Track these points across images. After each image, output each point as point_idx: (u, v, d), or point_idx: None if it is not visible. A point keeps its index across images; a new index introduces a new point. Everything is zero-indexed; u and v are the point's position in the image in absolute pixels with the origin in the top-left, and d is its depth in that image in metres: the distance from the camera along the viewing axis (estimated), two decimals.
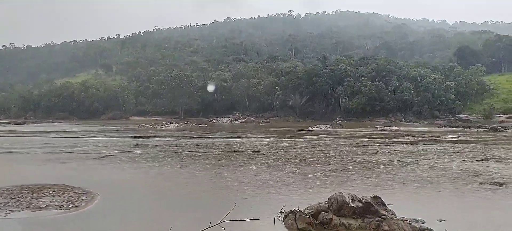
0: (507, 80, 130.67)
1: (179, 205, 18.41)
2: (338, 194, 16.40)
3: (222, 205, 5.24)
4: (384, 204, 16.43)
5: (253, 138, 54.34)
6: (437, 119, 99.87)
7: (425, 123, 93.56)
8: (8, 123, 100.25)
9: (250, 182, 23.24)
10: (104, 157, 34.37)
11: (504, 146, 41.55)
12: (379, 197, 16.62)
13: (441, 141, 47.92)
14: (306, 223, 15.08)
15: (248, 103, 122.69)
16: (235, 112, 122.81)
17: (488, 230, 15.43)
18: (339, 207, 15.73)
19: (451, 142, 47.23)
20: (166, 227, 5.38)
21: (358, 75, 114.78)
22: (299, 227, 14.99)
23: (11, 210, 16.59)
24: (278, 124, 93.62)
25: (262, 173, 26.07)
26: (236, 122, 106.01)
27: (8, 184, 21.17)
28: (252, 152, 37.03)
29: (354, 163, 30.23)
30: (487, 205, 18.61)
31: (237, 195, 19.11)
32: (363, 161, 30.94)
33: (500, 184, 22.10)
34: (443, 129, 74.13)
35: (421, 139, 51.61)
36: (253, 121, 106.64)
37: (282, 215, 16.15)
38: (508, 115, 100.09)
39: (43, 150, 39.95)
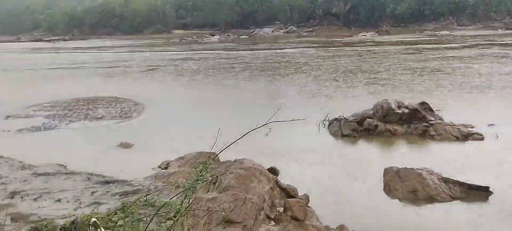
0: None
1: (225, 111, 18.92)
2: (384, 100, 16.21)
3: (267, 111, 5.34)
4: (431, 110, 16.13)
5: (296, 48, 53.53)
6: (494, 22, 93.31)
7: (480, 26, 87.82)
8: (57, 40, 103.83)
9: (296, 92, 23.33)
10: (150, 70, 35.31)
11: None
12: (427, 103, 16.29)
13: (498, 44, 45.23)
14: (351, 129, 15.18)
15: (290, 13, 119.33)
16: (276, 22, 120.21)
17: None
18: (384, 113, 15.61)
19: (508, 45, 44.50)
20: (214, 130, 5.55)
21: None
22: (343, 133, 15.14)
23: (70, 121, 17.73)
24: (321, 33, 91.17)
25: (307, 82, 26.01)
26: (278, 33, 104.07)
27: (64, 97, 22.44)
28: (297, 62, 36.72)
29: (401, 70, 29.41)
30: None
31: (283, 105, 19.32)
32: (411, 68, 30.01)
33: None
34: (500, 31, 69.62)
35: (475, 43, 48.88)
36: (295, 31, 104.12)
37: (327, 123, 16.31)
38: None
39: (92, 65, 41.48)
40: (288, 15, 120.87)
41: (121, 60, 44.72)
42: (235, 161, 9.53)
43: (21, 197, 9.53)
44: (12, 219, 8.15)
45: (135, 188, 9.85)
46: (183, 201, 3.14)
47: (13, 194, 9.61)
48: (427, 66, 30.41)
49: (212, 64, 37.79)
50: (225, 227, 6.82)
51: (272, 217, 7.88)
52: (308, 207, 8.62)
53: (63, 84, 28.53)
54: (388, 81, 25.13)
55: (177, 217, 3.13)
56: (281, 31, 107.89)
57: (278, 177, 10.36)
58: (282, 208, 8.28)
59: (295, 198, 8.83)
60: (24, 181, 10.53)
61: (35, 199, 9.43)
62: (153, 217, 3.19)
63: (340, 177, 11.16)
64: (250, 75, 30.12)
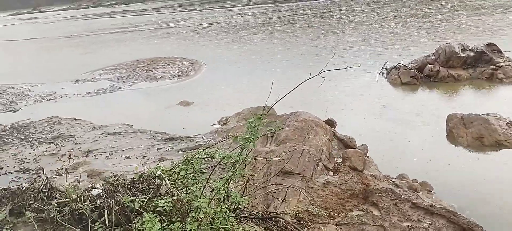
0: None
1: (279, 65, 18.89)
2: (446, 44, 15.36)
3: (322, 62, 5.26)
4: (500, 51, 15.10)
5: None
6: None
7: None
8: (115, 4, 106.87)
9: (352, 40, 22.69)
10: (204, 28, 35.68)
11: None
12: (495, 44, 15.25)
13: None
14: (411, 77, 14.62)
15: None
16: None
17: None
18: (447, 58, 14.83)
19: None
20: (268, 81, 5.61)
21: None
22: (403, 81, 14.63)
23: (133, 82, 18.57)
24: None
25: (364, 30, 25.15)
26: None
27: (126, 60, 23.41)
28: (353, 10, 35.41)
29: (465, 10, 27.48)
30: None
31: (338, 55, 18.91)
32: (477, 6, 27.94)
33: None
34: None
35: None
36: None
37: (385, 71, 15.81)
38: None
39: (148, 26, 42.58)
40: None
41: (175, 20, 45.47)
42: (291, 114, 9.59)
43: (94, 155, 10.28)
44: (87, 175, 8.86)
45: (196, 144, 10.27)
46: (239, 153, 3.27)
47: (87, 153, 10.39)
48: (495, 4, 28.15)
49: (263, 20, 37.41)
50: (284, 178, 6.98)
51: (331, 167, 7.93)
52: (367, 157, 8.57)
53: (124, 48, 29.67)
54: (451, 23, 23.65)
55: (235, 169, 3.27)
56: None
57: (336, 128, 10.34)
58: (341, 159, 8.31)
59: (353, 148, 8.80)
60: (96, 140, 11.31)
61: (107, 157, 10.14)
62: (214, 168, 3.36)
63: (400, 126, 10.91)
64: (304, 27, 29.55)
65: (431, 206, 6.35)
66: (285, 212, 5.40)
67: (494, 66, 14.16)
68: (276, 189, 6.53)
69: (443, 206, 6.42)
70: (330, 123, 10.54)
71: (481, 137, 9.47)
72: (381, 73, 15.86)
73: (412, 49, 19.04)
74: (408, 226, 5.92)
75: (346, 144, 9.20)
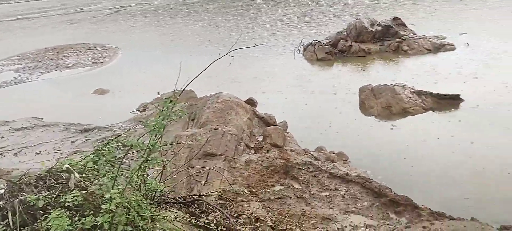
0: None
1: (197, 47, 18.60)
2: (356, 20, 16.14)
3: (240, 42, 5.25)
4: (404, 25, 16.19)
5: None
6: None
7: None
8: None
9: (267, 21, 22.98)
10: (117, 11, 34.06)
11: None
12: (399, 18, 16.31)
13: None
14: (326, 52, 15.18)
15: None
16: None
17: (504, 31, 15.31)
18: (358, 33, 15.60)
19: None
20: (187, 65, 5.51)
21: None
22: (318, 57, 15.15)
23: (41, 72, 17.26)
24: None
25: (280, 10, 25.55)
26: None
27: (31, 48, 21.66)
28: None
29: None
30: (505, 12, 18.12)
31: (255, 34, 19.08)
32: None
33: None
34: None
35: None
36: None
37: (301, 48, 16.27)
38: None
39: (56, 11, 39.73)
40: None
41: (86, 4, 42.88)
42: (211, 95, 9.55)
43: (1, 154, 9.47)
44: None
45: (115, 133, 9.86)
46: (151, 139, 3.17)
47: None
48: None
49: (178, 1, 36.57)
50: (206, 161, 6.97)
51: (252, 146, 8.06)
52: (287, 133, 8.82)
53: (29, 36, 27.40)
54: (361, 1, 24.87)
55: (147, 155, 3.18)
56: None
57: (256, 107, 10.48)
58: (262, 137, 8.46)
59: (274, 125, 9.00)
60: (1, 137, 10.41)
61: (15, 154, 9.39)
62: (124, 156, 3.23)
63: (317, 100, 11.33)
64: (221, 7, 29.36)
65: (347, 174, 6.72)
66: (207, 194, 5.39)
67: (399, 39, 15.18)
68: (199, 172, 6.50)
69: (357, 173, 6.83)
70: (251, 102, 10.66)
71: (389, 106, 10.14)
72: (298, 51, 16.30)
73: (327, 26, 19.74)
74: (326, 195, 6.21)
75: (266, 121, 9.37)
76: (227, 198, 5.51)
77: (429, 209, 5.72)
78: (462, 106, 10.01)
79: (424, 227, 5.09)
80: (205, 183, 6.19)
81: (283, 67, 14.57)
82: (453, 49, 14.35)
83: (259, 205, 5.75)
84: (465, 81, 11.48)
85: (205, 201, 4.84)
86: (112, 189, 2.90)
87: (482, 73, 11.88)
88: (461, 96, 10.15)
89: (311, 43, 15.93)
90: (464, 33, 15.63)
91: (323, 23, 20.74)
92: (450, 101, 10.12)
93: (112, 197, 2.78)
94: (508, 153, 7.78)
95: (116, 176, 3.07)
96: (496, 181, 6.94)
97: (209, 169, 6.38)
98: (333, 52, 15.33)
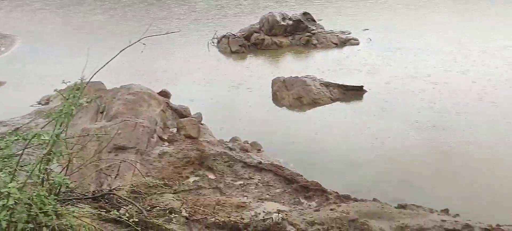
0: None
1: (101, 38, 17.64)
2: (269, 14, 16.51)
3: (150, 30, 5.07)
4: (314, 20, 16.91)
5: None
6: None
7: None
8: None
9: (182, 13, 22.59)
10: None
11: None
12: (309, 13, 17.00)
13: None
14: (239, 45, 15.34)
15: None
16: None
17: (402, 27, 16.75)
18: (270, 26, 15.98)
19: None
20: (95, 55, 5.23)
21: None
22: (232, 50, 15.26)
23: None
24: None
25: (194, 2, 25.22)
26: None
27: None
28: None
29: None
30: (402, 10, 19.81)
31: (166, 27, 18.64)
32: None
33: None
34: None
35: None
36: None
37: (216, 41, 16.26)
38: None
39: None
40: None
41: None
42: (121, 87, 9.18)
43: None
44: None
45: (14, 127, 9.05)
46: (54, 131, 2.97)
47: None
48: None
49: None
50: (117, 154, 6.70)
51: (166, 138, 7.91)
52: (202, 124, 8.78)
53: None
54: None
55: (49, 147, 2.97)
56: None
57: (170, 99, 10.28)
58: (176, 129, 8.33)
59: (188, 117, 8.90)
60: None
61: None
62: (24, 149, 2.99)
63: (231, 92, 11.44)
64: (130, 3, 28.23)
65: (260, 163, 6.89)
66: (119, 187, 5.19)
67: (309, 33, 15.85)
68: (109, 166, 6.23)
69: (271, 162, 7.04)
70: (164, 94, 10.42)
71: (300, 97, 10.57)
72: (212, 43, 16.26)
73: (240, 19, 19.92)
74: (240, 184, 6.32)
75: (180, 113, 9.24)
76: (140, 191, 5.35)
77: (336, 192, 6.07)
78: (365, 96, 10.77)
79: (331, 209, 5.39)
80: (116, 177, 5.95)
81: (197, 59, 14.46)
82: (357, 44, 15.33)
83: (174, 197, 5.67)
84: (367, 73, 12.34)
85: (116, 195, 4.67)
86: (10, 183, 2.67)
87: (381, 66, 12.88)
88: (364, 88, 10.92)
89: (225, 35, 15.99)
90: (367, 29, 16.75)
91: (236, 16, 20.90)
92: (354, 92, 10.84)
93: (11, 192, 2.56)
94: (404, 139, 8.55)
95: (15, 171, 2.83)
96: (394, 165, 7.60)
97: (120, 162, 6.15)
98: (246, 45, 15.54)
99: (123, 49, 3.70)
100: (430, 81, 11.46)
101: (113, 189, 5.06)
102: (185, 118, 8.69)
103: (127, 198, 4.69)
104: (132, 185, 5.34)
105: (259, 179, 6.45)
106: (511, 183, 7.02)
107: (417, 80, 11.57)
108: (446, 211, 5.60)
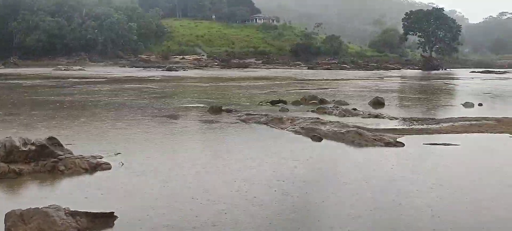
0: (181, 25, 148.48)
1: None
2: (6, 138, 14.77)
3: None
4: (61, 145, 15.91)
5: None
6: (121, 59, 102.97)
7: (110, 62, 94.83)
8: None
9: None
10: None
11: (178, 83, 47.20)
12: (55, 138, 15.97)
13: (144, 80, 49.90)
14: None
15: None
16: None
17: (155, 154, 17.41)
18: (8, 152, 14.22)
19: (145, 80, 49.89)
20: None
21: (35, 9, 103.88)
22: None
23: None
24: None
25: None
26: None
27: None
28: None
29: (35, 104, 27.79)
30: (158, 136, 20.92)
31: None
32: (49, 102, 28.88)
33: (172, 117, 25.13)
34: (127, 68, 77.26)
35: (98, 79, 52.20)
36: None
37: None
38: (181, 56, 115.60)
39: None
40: None
41: None
42: None
43: None
44: None
45: None
46: None
47: None
48: (66, 100, 30.19)
49: None
50: None
51: None
52: None
53: None
54: (19, 118, 23.19)
55: None
56: None
57: None
58: None
59: None
60: None
61: None
62: None
63: None
64: None
65: None
66: None
67: (55, 159, 14.74)
68: None
69: None
70: None
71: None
72: None
73: None
74: None
75: None
76: None
77: None
78: (117, 223, 10.35)
79: None
80: None
81: None
82: (109, 168, 15.00)
83: None
84: (119, 198, 12.06)
85: None
86: None
87: (134, 191, 12.81)
88: (115, 213, 10.53)
89: None
90: (120, 153, 16.76)
91: None
92: (104, 219, 10.31)
93: None
94: None
95: None
96: None
97: None
98: None
99: None
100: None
101: None
102: None
103: None
104: None
105: None
106: None
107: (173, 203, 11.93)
108: None
